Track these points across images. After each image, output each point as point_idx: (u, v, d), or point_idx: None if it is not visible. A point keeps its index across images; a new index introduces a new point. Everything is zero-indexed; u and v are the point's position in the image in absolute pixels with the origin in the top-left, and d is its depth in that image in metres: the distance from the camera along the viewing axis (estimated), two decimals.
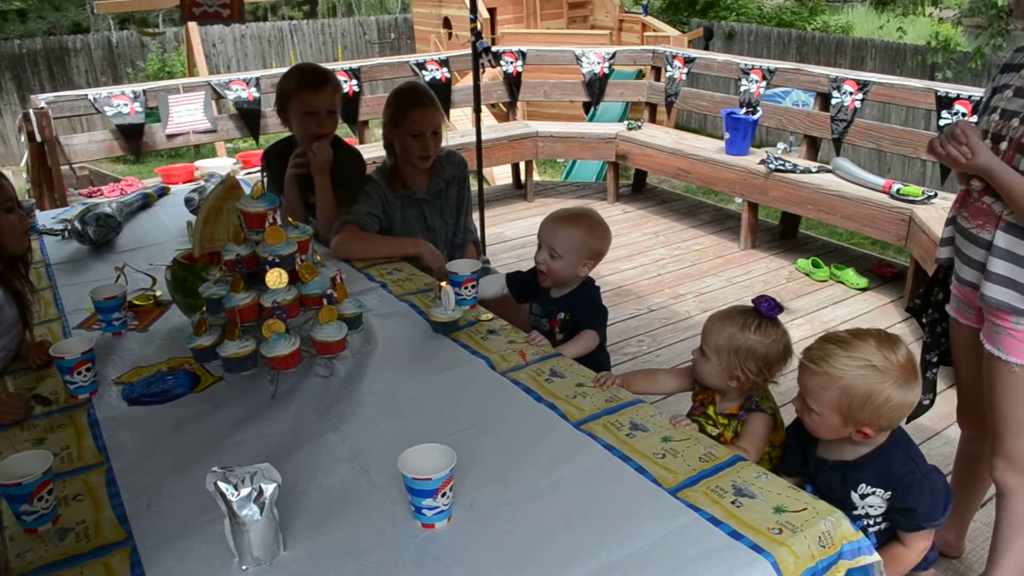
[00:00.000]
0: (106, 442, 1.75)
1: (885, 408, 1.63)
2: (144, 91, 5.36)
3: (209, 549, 1.41)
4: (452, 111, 7.47)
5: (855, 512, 1.73)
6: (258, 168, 3.83)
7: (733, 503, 1.46)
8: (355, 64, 6.01)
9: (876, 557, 1.43)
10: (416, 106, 2.79)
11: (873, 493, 1.71)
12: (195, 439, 1.74)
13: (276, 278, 1.89)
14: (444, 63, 6.22)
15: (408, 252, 2.78)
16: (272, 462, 1.40)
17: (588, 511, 1.46)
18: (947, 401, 2.46)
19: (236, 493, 1.33)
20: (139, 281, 2.49)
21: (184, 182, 5.19)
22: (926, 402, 2.21)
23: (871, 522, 1.74)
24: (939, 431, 3.13)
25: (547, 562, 1.34)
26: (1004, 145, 1.90)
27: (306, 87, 2.85)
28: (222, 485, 1.34)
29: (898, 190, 4.37)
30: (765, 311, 1.90)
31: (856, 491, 1.72)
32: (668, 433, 1.69)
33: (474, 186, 3.59)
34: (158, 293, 2.46)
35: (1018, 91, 1.95)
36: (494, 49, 6.38)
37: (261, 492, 1.34)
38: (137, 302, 2.40)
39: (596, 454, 1.63)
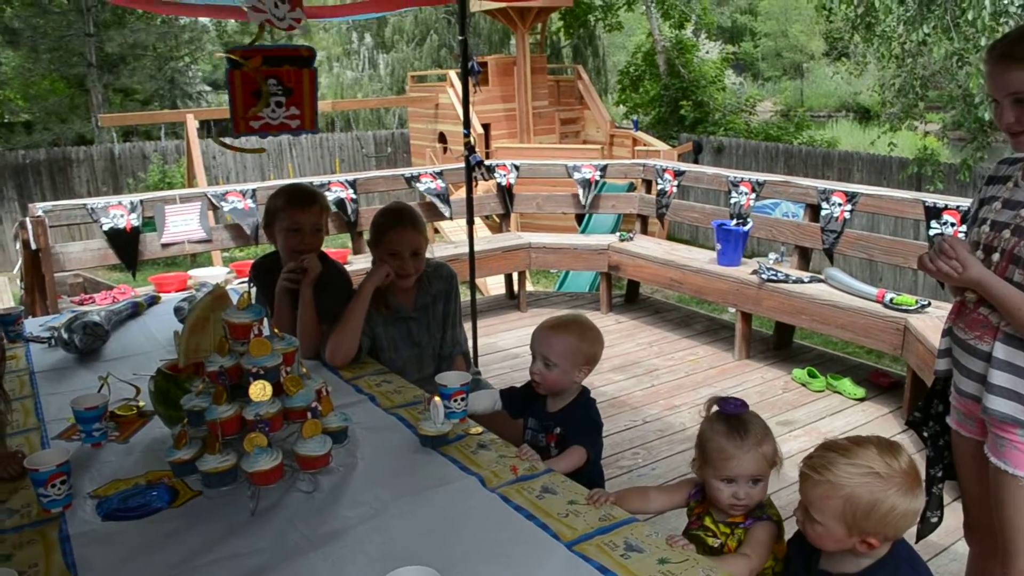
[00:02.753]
0: (76, 559, 1.66)
1: (890, 516, 1.58)
2: (141, 201, 5.42)
3: None
4: (446, 224, 7.57)
5: None
6: (241, 285, 3.83)
7: None
8: (351, 176, 6.11)
9: None
10: (395, 226, 2.81)
11: None
12: (170, 558, 1.66)
13: (260, 390, 1.84)
14: (439, 175, 6.32)
15: (371, 286, 2.75)
16: None
17: None
18: (953, 515, 2.39)
19: None
20: (123, 391, 2.44)
21: (177, 291, 5.17)
22: (934, 519, 2.14)
23: None
24: (947, 547, 3.03)
25: None
26: (996, 256, 1.91)
27: (293, 204, 2.89)
28: None
29: (892, 299, 4.38)
30: (733, 410, 1.86)
31: None
32: (665, 554, 1.62)
33: (467, 297, 3.59)
34: (141, 404, 2.40)
35: (1006, 203, 1.97)
36: (488, 162, 6.52)
37: None
38: (119, 412, 2.34)
39: None
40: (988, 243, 1.95)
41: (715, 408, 1.92)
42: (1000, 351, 1.90)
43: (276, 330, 2.01)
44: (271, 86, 3.17)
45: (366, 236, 6.12)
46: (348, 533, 1.73)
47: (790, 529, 1.84)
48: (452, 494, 1.89)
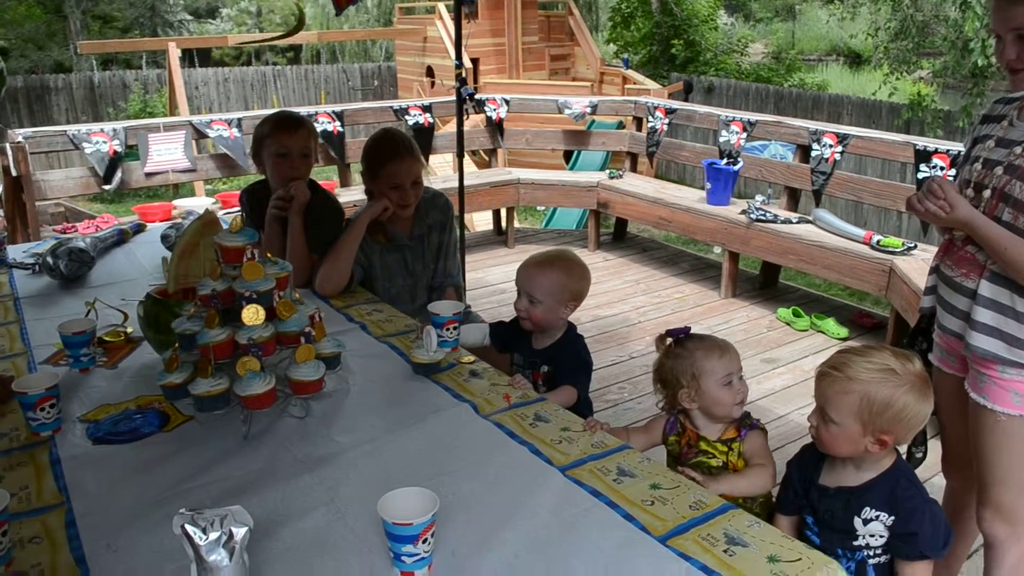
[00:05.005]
0: (67, 482, 1.66)
1: (903, 414, 1.65)
2: (124, 128, 5.32)
3: None
4: (433, 157, 7.49)
5: (856, 543, 1.71)
6: (236, 208, 3.78)
7: (726, 551, 1.41)
8: (338, 107, 6.01)
9: None
10: (394, 157, 2.75)
11: (876, 518, 1.69)
12: (162, 480, 1.66)
13: (253, 314, 1.82)
14: (427, 109, 6.23)
15: (367, 219, 2.73)
16: (243, 505, 1.32)
17: (575, 559, 1.40)
18: (932, 451, 2.42)
19: (204, 537, 1.26)
20: (110, 317, 2.42)
21: (162, 220, 5.11)
22: (919, 454, 2.18)
23: (871, 553, 1.72)
24: (925, 480, 3.05)
25: None
26: (987, 193, 1.91)
27: (280, 128, 2.83)
28: (189, 528, 1.26)
29: (878, 241, 4.39)
30: (685, 333, 2.01)
31: (860, 516, 1.70)
32: (657, 480, 1.64)
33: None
34: (129, 329, 2.39)
35: (1000, 141, 1.96)
36: (477, 96, 6.43)
37: (231, 536, 1.27)
38: (107, 338, 2.33)
39: (583, 500, 1.57)
40: (979, 181, 1.95)
41: (669, 340, 2.02)
42: (985, 289, 1.92)
43: (268, 254, 1.99)
44: None
45: (354, 168, 6.06)
46: (341, 457, 1.74)
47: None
48: (445, 420, 1.90)
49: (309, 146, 2.87)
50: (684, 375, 1.95)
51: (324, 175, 9.40)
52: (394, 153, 2.76)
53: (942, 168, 4.48)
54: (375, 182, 2.78)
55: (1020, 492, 1.99)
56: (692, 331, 2.03)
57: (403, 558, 1.35)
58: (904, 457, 2.14)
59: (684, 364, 1.95)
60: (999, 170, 1.90)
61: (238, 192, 4.00)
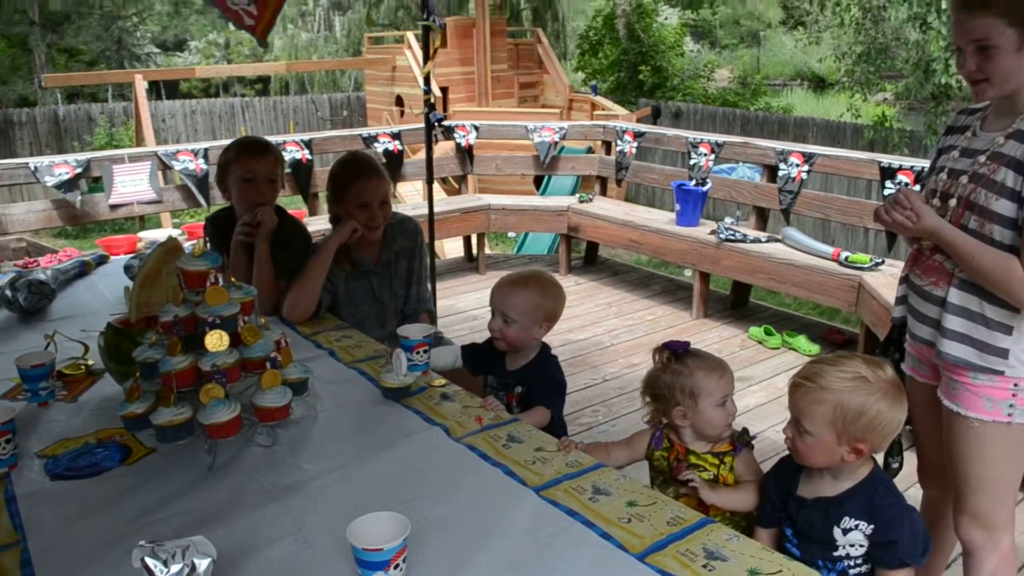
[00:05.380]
0: (23, 520, 1.59)
1: (877, 422, 1.65)
2: (88, 160, 5.25)
3: None
4: (403, 185, 7.48)
5: (836, 553, 1.70)
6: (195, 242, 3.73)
7: (705, 566, 1.38)
8: (307, 136, 5.99)
9: None
10: (360, 176, 2.73)
11: (856, 528, 1.68)
12: (123, 515, 1.60)
13: (216, 340, 1.78)
14: (396, 136, 6.22)
15: (335, 244, 2.68)
16: (207, 536, 1.28)
17: None
18: (908, 462, 2.42)
19: (166, 569, 1.21)
20: (70, 350, 2.35)
21: (126, 253, 5.03)
22: (895, 465, 2.17)
23: (852, 563, 1.71)
24: (902, 491, 3.06)
25: None
26: (953, 202, 1.93)
27: (246, 153, 2.80)
28: (150, 561, 1.22)
29: (847, 258, 4.43)
30: (684, 347, 1.96)
31: (839, 526, 1.69)
32: (634, 497, 1.61)
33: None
34: (90, 362, 2.32)
35: (964, 151, 1.99)
36: (446, 123, 6.43)
37: (194, 568, 1.23)
38: (67, 371, 2.26)
39: (559, 521, 1.53)
40: (945, 190, 1.97)
41: (667, 353, 1.97)
42: (954, 296, 1.93)
43: (233, 279, 1.95)
44: None
45: (323, 197, 6.04)
46: (310, 485, 1.69)
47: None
48: (417, 444, 1.86)
49: (275, 172, 2.84)
50: (681, 392, 1.91)
51: (293, 205, 9.34)
52: (360, 172, 2.74)
53: (907, 184, 4.54)
54: (341, 204, 2.74)
55: (996, 498, 1.99)
56: (691, 347, 2.00)
57: None
58: (883, 467, 2.13)
59: (682, 381, 1.92)
60: (964, 179, 1.93)
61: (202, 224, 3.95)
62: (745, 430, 1.99)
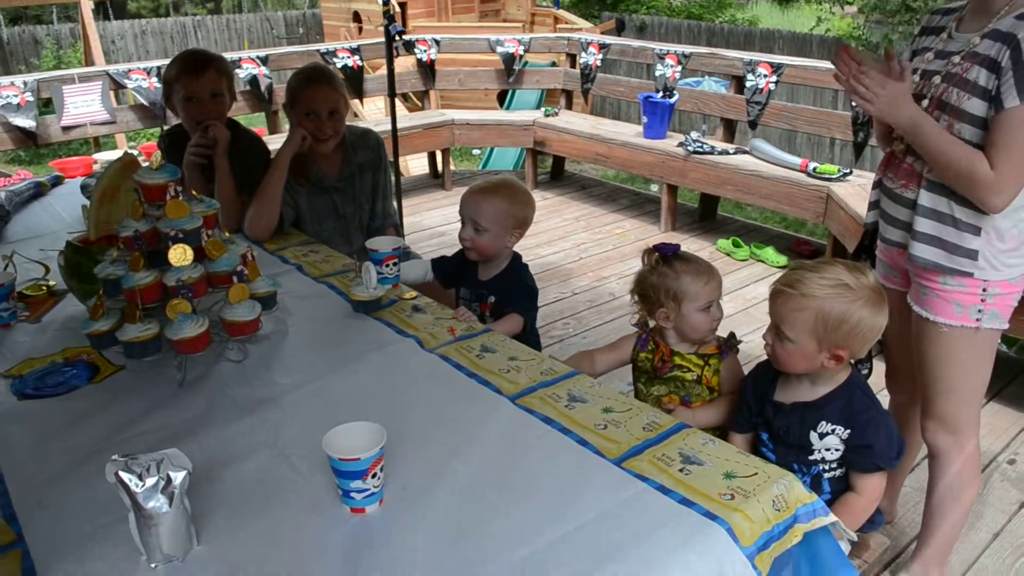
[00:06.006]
0: None
1: (858, 328, 1.64)
2: (37, 81, 5.04)
3: (112, 549, 1.26)
4: (365, 101, 7.30)
5: (811, 457, 1.73)
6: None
7: (681, 471, 1.39)
8: (263, 52, 5.78)
9: (832, 518, 1.38)
10: (311, 83, 2.65)
11: (832, 432, 1.70)
12: (94, 432, 1.58)
13: (180, 255, 1.73)
14: (356, 51, 6.04)
15: (288, 154, 2.62)
16: (181, 449, 1.26)
17: (530, 487, 1.37)
18: (875, 366, 2.46)
19: (141, 483, 1.19)
20: (30, 271, 2.29)
21: (82, 175, 4.89)
22: (864, 371, 2.20)
23: (827, 467, 1.74)
24: None
25: (489, 542, 1.24)
26: (925, 103, 1.90)
27: (187, 72, 2.68)
28: (124, 475, 1.20)
29: (815, 168, 4.42)
30: (674, 249, 1.97)
31: (815, 430, 1.71)
32: (609, 404, 1.61)
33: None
34: (51, 282, 2.26)
35: (938, 53, 1.95)
36: (406, 37, 6.24)
37: (169, 481, 1.21)
38: (28, 292, 2.21)
39: (535, 428, 1.54)
40: (918, 92, 1.93)
41: (656, 255, 1.97)
42: (924, 198, 1.91)
43: (194, 192, 1.89)
44: None
45: (283, 116, 5.88)
46: (284, 398, 1.68)
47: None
48: (390, 357, 1.85)
49: (219, 86, 2.72)
50: (667, 295, 1.93)
51: (255, 123, 9.12)
52: (310, 80, 2.67)
53: None
54: (293, 111, 2.68)
55: (962, 402, 2.02)
56: (681, 249, 2.00)
57: (352, 494, 1.31)
58: None
59: (668, 283, 1.93)
60: (936, 79, 1.90)
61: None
62: (732, 335, 2.00)
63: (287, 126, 2.84)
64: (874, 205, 2.17)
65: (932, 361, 2.01)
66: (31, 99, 4.94)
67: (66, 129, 5.14)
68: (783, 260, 4.67)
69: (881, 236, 2.13)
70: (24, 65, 14.33)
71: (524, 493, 1.35)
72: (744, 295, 4.25)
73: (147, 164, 1.85)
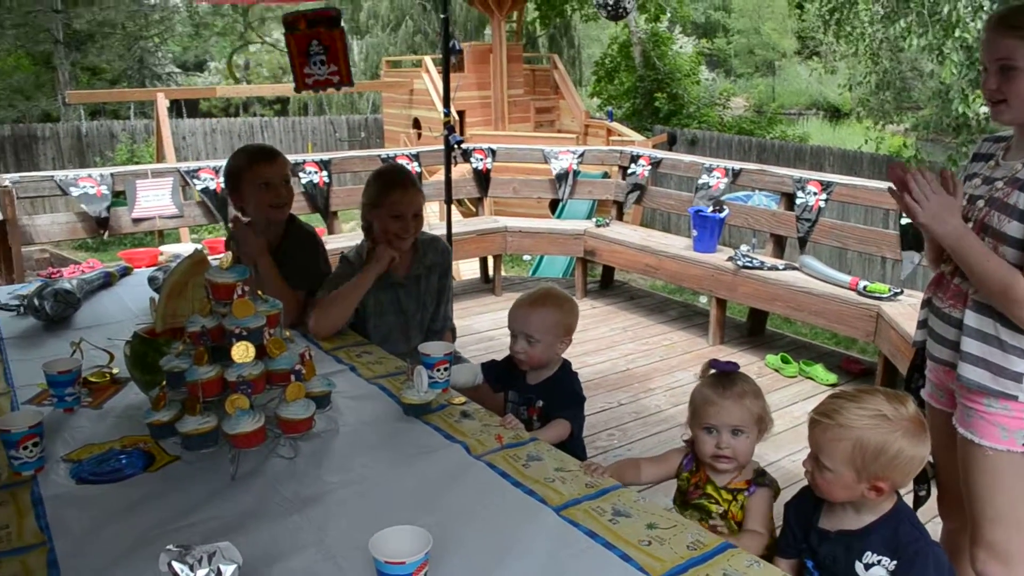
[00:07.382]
0: (49, 521, 1.62)
1: (898, 460, 1.61)
2: (112, 175, 5.32)
3: None
4: None
5: None
6: (224, 255, 3.78)
7: None
8: (325, 156, 6.04)
9: None
10: (398, 187, 2.76)
11: (879, 563, 1.65)
12: (147, 520, 1.62)
13: (243, 352, 1.80)
14: (415, 157, 6.27)
15: (375, 273, 2.70)
16: (231, 542, 1.29)
17: None
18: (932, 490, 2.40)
19: (192, 574, 1.22)
20: (96, 358, 2.38)
21: (148, 266, 5.09)
22: (922, 493, 2.16)
23: None
24: (925, 523, 3.04)
25: None
26: (969, 226, 1.93)
27: (258, 160, 2.83)
28: (176, 565, 1.23)
29: (865, 287, 4.42)
30: (724, 367, 1.95)
31: (861, 560, 1.66)
32: (653, 520, 1.61)
33: None
34: (115, 370, 2.35)
35: (985, 179, 2.01)
36: (464, 146, 6.47)
37: (220, 573, 1.24)
38: (92, 378, 2.29)
39: (579, 541, 1.54)
40: (964, 215, 1.97)
41: (711, 371, 1.98)
42: (971, 319, 1.92)
43: (260, 292, 1.97)
44: (313, 46, 3.52)
45: (342, 216, 6.08)
46: (331, 496, 1.71)
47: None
48: (437, 461, 1.87)
49: (288, 174, 2.91)
50: (689, 407, 1.94)
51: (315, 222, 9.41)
52: (399, 182, 2.78)
53: None
54: (376, 211, 2.75)
55: (1013, 530, 1.96)
56: (737, 369, 1.98)
57: None
58: (912, 496, 2.12)
59: (693, 394, 1.95)
60: (980, 203, 1.95)
61: (224, 239, 3.99)
62: (762, 471, 1.95)
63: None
64: (923, 324, 2.18)
65: (978, 486, 1.97)
66: (106, 191, 5.20)
67: (136, 221, 5.38)
68: (833, 378, 4.62)
69: (929, 354, 2.13)
70: (99, 156, 15.07)
71: None
72: (791, 413, 4.20)
73: (217, 264, 1.94)
